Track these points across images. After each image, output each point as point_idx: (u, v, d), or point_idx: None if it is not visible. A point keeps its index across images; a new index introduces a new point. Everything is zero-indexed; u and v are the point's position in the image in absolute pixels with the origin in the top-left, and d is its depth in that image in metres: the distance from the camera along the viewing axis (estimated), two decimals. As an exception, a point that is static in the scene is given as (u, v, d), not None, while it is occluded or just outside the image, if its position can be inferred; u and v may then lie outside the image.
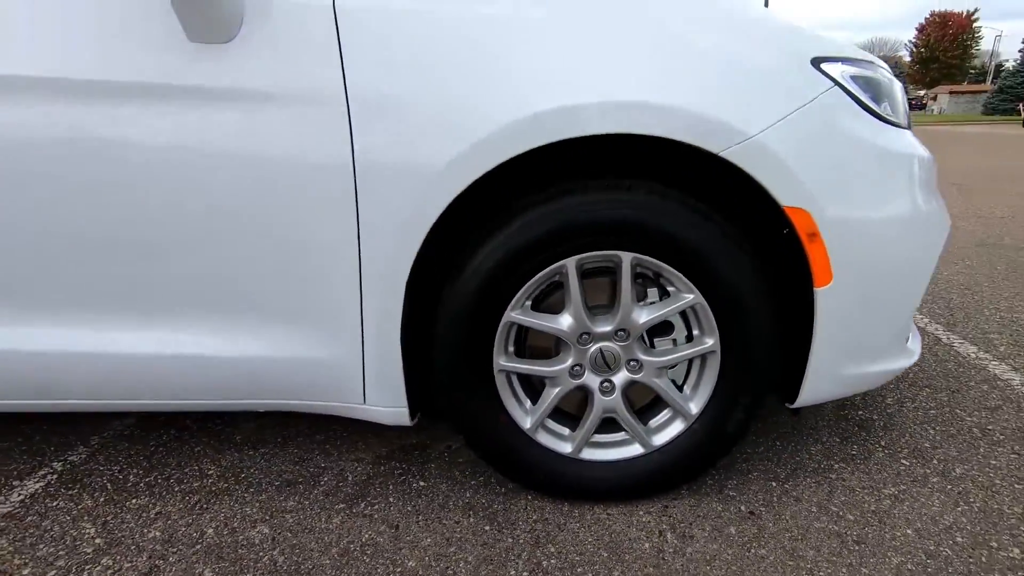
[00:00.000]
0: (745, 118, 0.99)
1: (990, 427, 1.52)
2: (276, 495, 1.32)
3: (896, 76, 1.26)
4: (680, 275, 1.09)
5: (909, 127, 1.21)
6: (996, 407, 1.61)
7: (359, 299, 1.10)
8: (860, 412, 1.59)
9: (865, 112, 1.09)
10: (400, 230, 1.04)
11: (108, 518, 1.26)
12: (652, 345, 1.19)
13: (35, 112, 1.00)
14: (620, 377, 1.18)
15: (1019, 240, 3.54)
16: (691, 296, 1.11)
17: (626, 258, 1.08)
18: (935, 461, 1.38)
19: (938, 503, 1.23)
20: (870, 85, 1.13)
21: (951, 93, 44.65)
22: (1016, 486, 1.28)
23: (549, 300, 1.17)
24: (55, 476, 1.41)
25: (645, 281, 1.16)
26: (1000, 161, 8.72)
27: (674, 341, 1.19)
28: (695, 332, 1.17)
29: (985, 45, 60.49)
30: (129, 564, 1.13)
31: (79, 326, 1.13)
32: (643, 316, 1.13)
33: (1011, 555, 1.09)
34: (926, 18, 59.30)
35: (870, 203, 1.07)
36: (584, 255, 1.07)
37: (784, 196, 1.02)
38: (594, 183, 1.07)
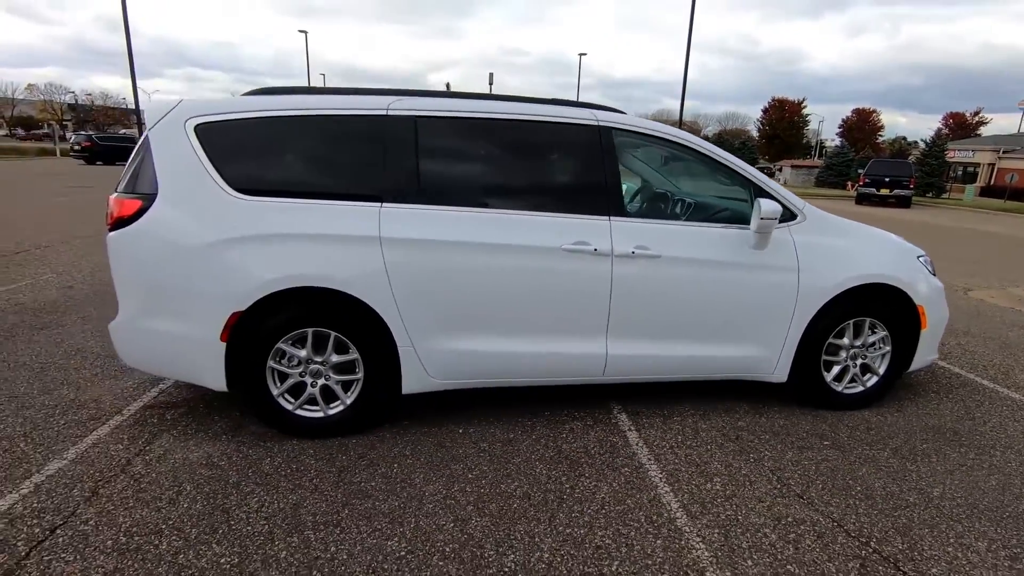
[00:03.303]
0: (910, 279, 3.23)
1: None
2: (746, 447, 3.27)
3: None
4: (882, 324, 3.28)
5: (935, 274, 3.50)
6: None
7: (786, 332, 3.15)
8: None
9: (929, 272, 3.39)
10: (810, 306, 3.12)
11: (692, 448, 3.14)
12: (867, 348, 3.35)
13: (692, 268, 2.97)
14: (859, 361, 3.33)
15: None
16: (885, 332, 3.30)
17: (867, 320, 3.25)
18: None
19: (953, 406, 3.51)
20: (928, 262, 3.43)
21: (792, 166, 54.29)
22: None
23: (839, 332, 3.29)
24: (635, 432, 3.23)
25: (869, 326, 3.33)
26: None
27: (875, 347, 3.37)
28: (882, 344, 3.35)
29: (813, 126, 73.80)
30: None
31: (686, 345, 3.07)
32: (871, 339, 3.30)
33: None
34: (768, 102, 71.23)
35: (937, 304, 3.35)
36: (857, 318, 3.23)
37: (917, 300, 3.25)
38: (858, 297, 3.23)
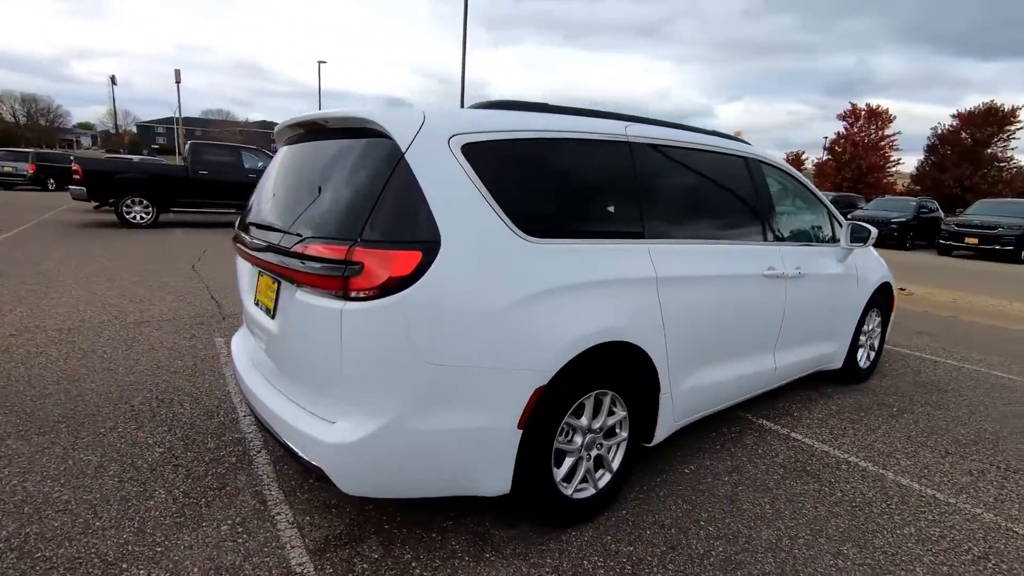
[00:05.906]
0: (891, 277, 4.29)
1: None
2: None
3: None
4: (878, 311, 4.28)
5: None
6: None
7: (850, 326, 3.87)
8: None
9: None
10: (862, 303, 3.90)
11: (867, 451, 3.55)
12: (871, 331, 4.31)
13: (821, 282, 3.45)
14: (870, 342, 4.27)
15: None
16: (880, 317, 4.31)
17: (874, 309, 4.21)
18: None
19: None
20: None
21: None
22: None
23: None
24: (798, 433, 3.50)
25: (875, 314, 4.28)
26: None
27: (874, 330, 4.35)
28: (878, 328, 4.35)
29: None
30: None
31: (807, 348, 3.53)
32: (874, 323, 4.27)
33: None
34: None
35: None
36: (871, 309, 4.15)
37: (894, 292, 4.34)
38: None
